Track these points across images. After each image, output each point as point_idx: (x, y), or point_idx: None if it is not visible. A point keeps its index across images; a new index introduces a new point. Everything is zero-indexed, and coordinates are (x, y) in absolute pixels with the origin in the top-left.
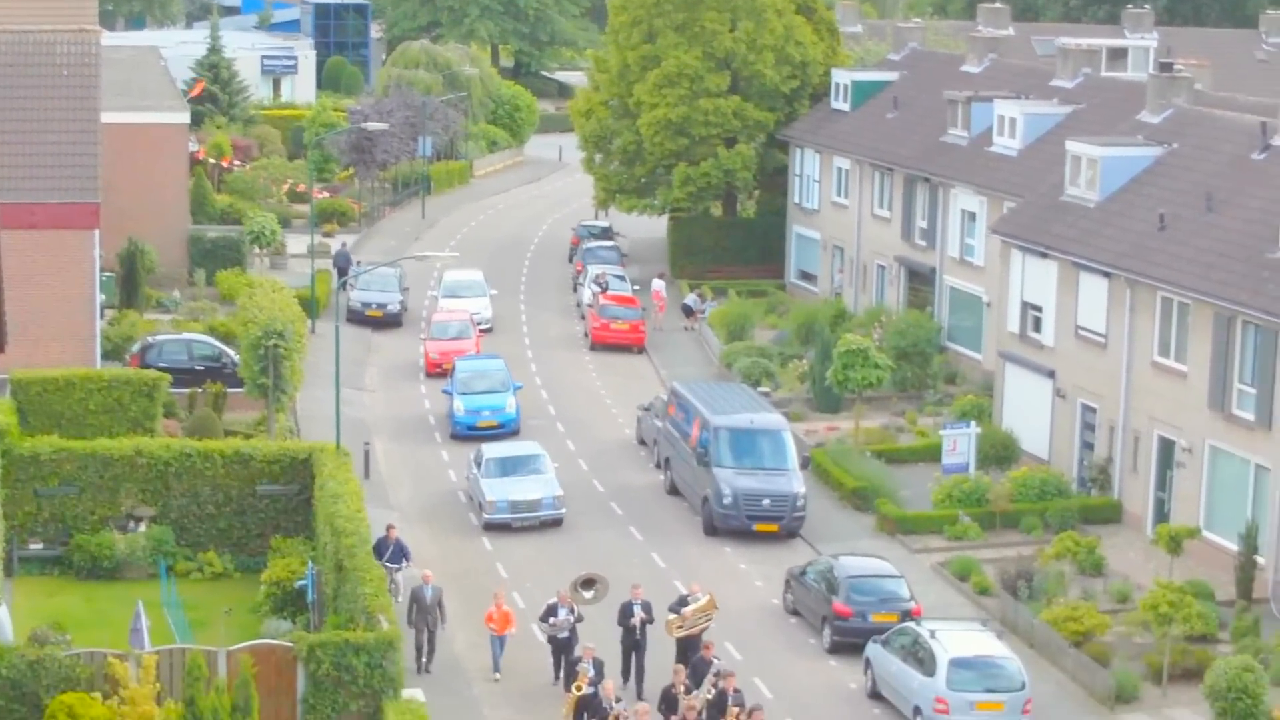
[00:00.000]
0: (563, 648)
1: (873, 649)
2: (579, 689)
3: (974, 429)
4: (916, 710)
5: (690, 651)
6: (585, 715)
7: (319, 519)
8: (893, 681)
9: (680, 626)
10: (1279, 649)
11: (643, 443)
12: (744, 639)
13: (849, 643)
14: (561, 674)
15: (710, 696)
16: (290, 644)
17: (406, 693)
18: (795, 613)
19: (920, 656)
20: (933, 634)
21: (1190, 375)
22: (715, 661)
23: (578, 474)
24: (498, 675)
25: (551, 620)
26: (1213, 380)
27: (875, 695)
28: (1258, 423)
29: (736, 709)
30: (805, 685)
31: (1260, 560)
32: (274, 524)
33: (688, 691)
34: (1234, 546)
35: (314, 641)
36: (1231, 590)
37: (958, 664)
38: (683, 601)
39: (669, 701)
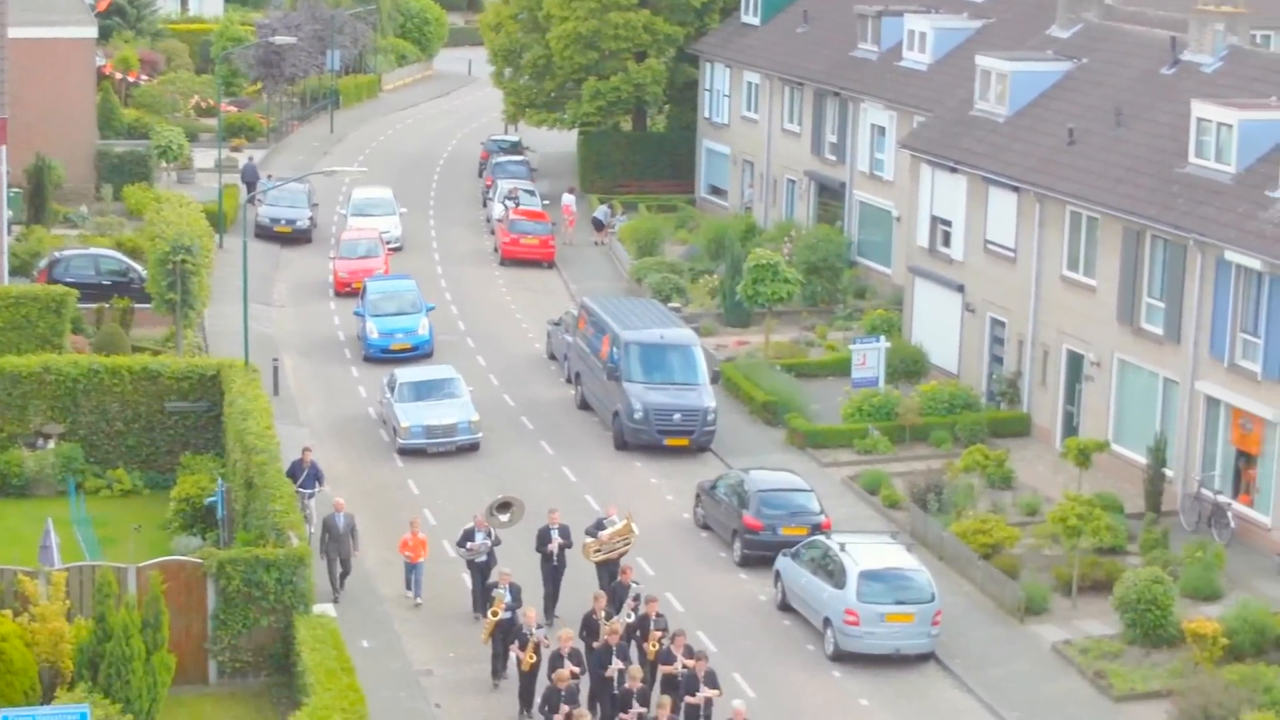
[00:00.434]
0: (480, 572)
1: (783, 562)
2: (495, 614)
3: (883, 343)
4: (826, 622)
5: (609, 576)
6: (503, 639)
7: (228, 436)
8: (803, 594)
9: (598, 550)
10: (1188, 561)
11: (553, 358)
12: (655, 553)
13: (759, 556)
14: (478, 599)
15: (630, 620)
16: (200, 560)
17: (318, 608)
18: (706, 527)
19: (830, 569)
20: (843, 547)
21: (1099, 289)
22: (634, 586)
23: (488, 389)
24: (419, 600)
25: (468, 545)
26: (1121, 294)
27: (785, 608)
28: (1166, 336)
29: (659, 634)
30: (716, 598)
31: (1169, 473)
32: (183, 441)
33: (608, 617)
34: (1143, 460)
35: (224, 558)
36: (1140, 503)
37: (867, 576)
38: (599, 525)
39: (590, 627)
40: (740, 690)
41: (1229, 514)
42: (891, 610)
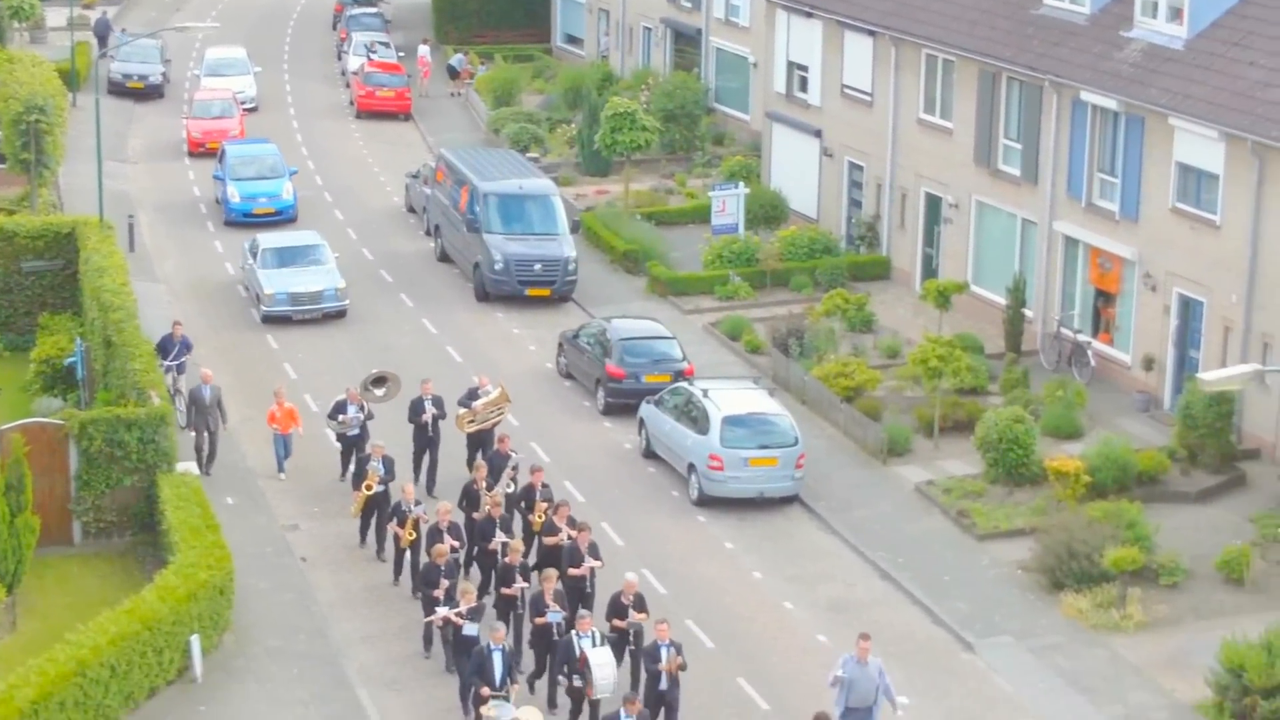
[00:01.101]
0: (352, 446)
1: (646, 409)
2: (369, 488)
3: (742, 190)
4: (691, 468)
5: (484, 446)
6: (376, 514)
7: (85, 294)
8: (667, 441)
9: (471, 421)
10: (1048, 400)
11: (411, 211)
12: (519, 404)
13: (622, 404)
14: (350, 472)
15: (510, 491)
16: (62, 421)
17: (180, 466)
18: (569, 376)
19: (693, 415)
20: (705, 393)
21: (956, 132)
22: (512, 455)
23: (347, 243)
24: (283, 475)
25: (340, 418)
26: (978, 136)
27: (650, 454)
28: (1023, 178)
29: (544, 505)
30: (580, 447)
31: (1028, 313)
32: (41, 301)
33: (489, 488)
34: (1002, 300)
35: (85, 419)
36: (1000, 343)
37: (730, 422)
38: (472, 395)
39: (470, 499)
40: (607, 537)
41: (1089, 353)
42: (755, 455)
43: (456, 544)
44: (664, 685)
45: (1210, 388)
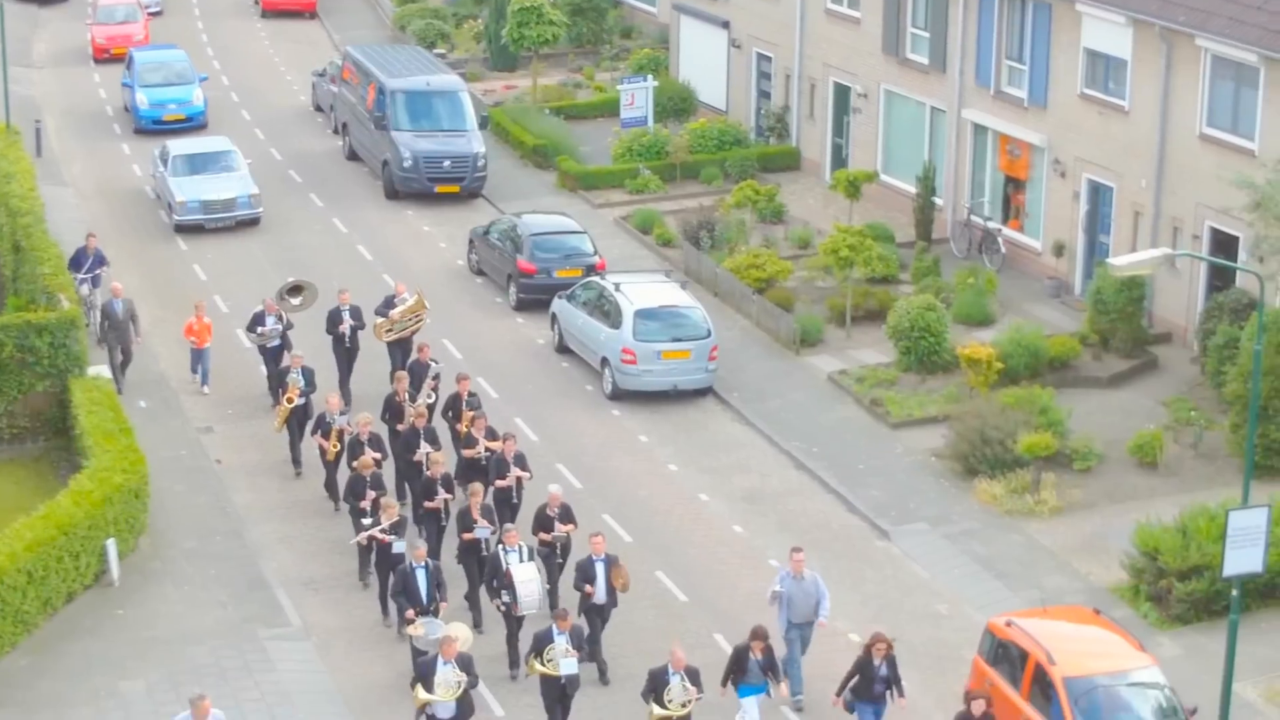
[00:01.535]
0: (271, 358)
1: (559, 304)
2: (290, 400)
3: (651, 82)
4: (604, 362)
5: (403, 355)
6: (299, 426)
7: None
8: (580, 335)
9: (389, 330)
10: (959, 287)
11: (319, 109)
12: (431, 301)
13: (534, 299)
14: (271, 385)
15: (431, 400)
16: None
17: (92, 370)
18: (480, 272)
19: (606, 309)
20: (617, 287)
21: (864, 21)
22: (432, 364)
23: (255, 144)
24: (206, 389)
25: (259, 330)
26: (886, 25)
27: (563, 349)
28: (931, 66)
29: (471, 414)
30: (493, 343)
31: (938, 201)
32: None
33: (411, 399)
34: (912, 189)
35: None
36: (911, 232)
37: (643, 315)
38: (389, 304)
39: (393, 410)
40: (521, 433)
41: (999, 239)
42: (668, 347)
43: (378, 456)
44: (602, 599)
45: (1121, 272)
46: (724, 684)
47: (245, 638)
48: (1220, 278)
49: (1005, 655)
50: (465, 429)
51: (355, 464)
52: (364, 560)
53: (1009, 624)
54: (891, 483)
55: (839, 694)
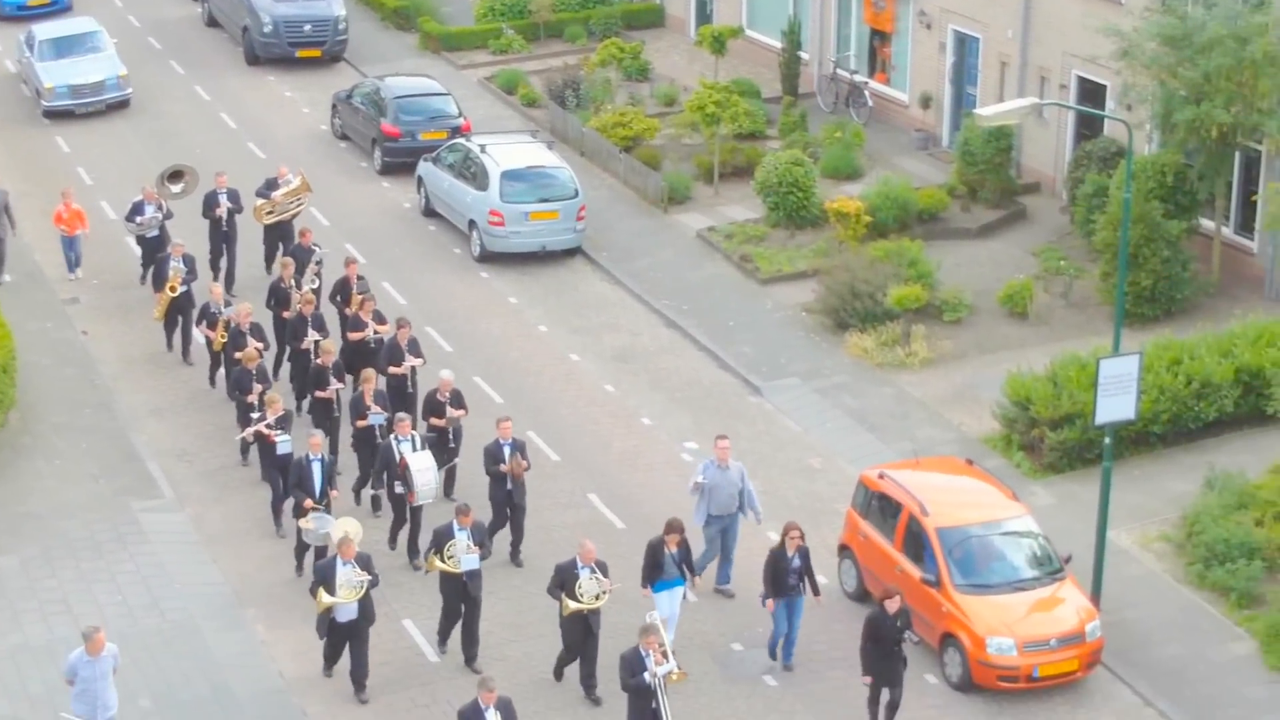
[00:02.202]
0: (151, 246)
1: (424, 167)
2: (172, 289)
3: None
4: (471, 224)
5: (285, 240)
6: (180, 316)
7: None
8: (446, 198)
9: (270, 212)
10: (827, 142)
11: None
12: (295, 167)
13: (400, 163)
14: (151, 274)
15: (315, 286)
16: None
17: None
18: (344, 137)
19: (472, 171)
20: (483, 148)
21: None
22: (316, 249)
23: (112, 11)
24: (73, 275)
25: (138, 219)
26: None
27: (430, 213)
28: None
29: (361, 297)
30: (360, 209)
31: (804, 56)
32: None
33: (297, 285)
34: (777, 44)
35: None
36: (777, 87)
37: (509, 176)
38: (271, 185)
39: (279, 297)
40: (390, 298)
41: (866, 93)
42: (535, 208)
43: (260, 345)
44: (509, 486)
45: (988, 123)
46: (644, 585)
47: (118, 511)
48: (1088, 127)
49: (878, 507)
50: (353, 313)
51: (239, 356)
52: (245, 452)
53: (881, 476)
54: (762, 338)
55: (765, 597)
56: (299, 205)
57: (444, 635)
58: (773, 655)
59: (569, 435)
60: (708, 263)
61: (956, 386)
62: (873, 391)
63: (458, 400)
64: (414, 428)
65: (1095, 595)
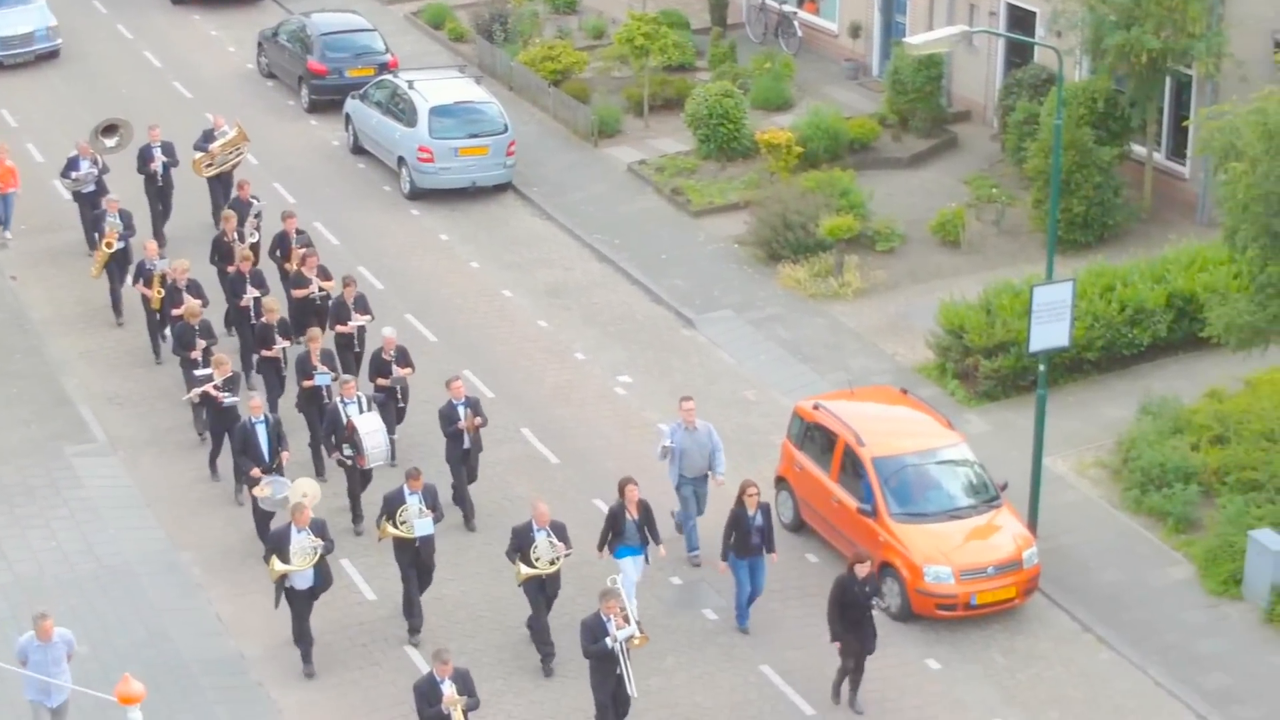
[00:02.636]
0: (88, 203)
1: (352, 105)
2: (109, 245)
3: None
4: (401, 161)
5: (225, 192)
6: (119, 273)
7: None
8: (374, 135)
9: (209, 165)
10: (757, 73)
11: None
12: (223, 109)
13: (327, 100)
14: (89, 232)
15: (255, 240)
16: None
17: None
18: (271, 75)
19: (400, 108)
20: (411, 85)
21: None
22: (254, 201)
23: None
24: (8, 235)
25: (73, 175)
26: None
27: (358, 150)
28: None
29: (302, 250)
30: (287, 147)
31: None
32: None
33: (240, 239)
34: None
35: None
36: (705, 18)
37: (438, 112)
38: (208, 137)
39: (222, 251)
40: (322, 237)
41: (795, 23)
42: (465, 144)
43: (198, 302)
44: (466, 445)
45: (918, 51)
46: (600, 548)
47: (51, 455)
48: (1018, 54)
49: (814, 438)
50: (294, 268)
51: (182, 311)
52: (197, 415)
53: (816, 407)
54: (695, 271)
55: (724, 556)
56: (238, 156)
57: (406, 606)
58: (741, 618)
59: (502, 371)
60: (639, 196)
61: (890, 316)
62: (806, 322)
63: (403, 358)
64: (359, 389)
65: (1032, 522)
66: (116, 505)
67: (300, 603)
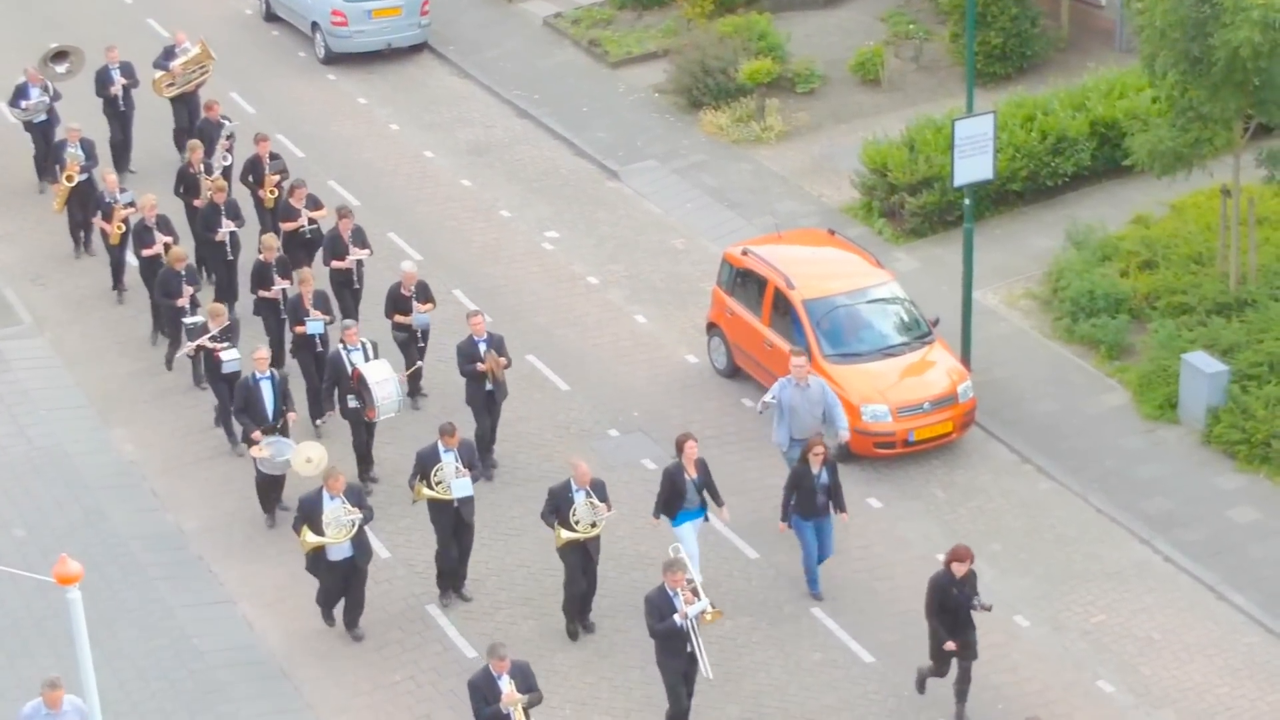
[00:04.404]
0: (41, 134)
1: None
2: (69, 179)
3: None
4: (314, 26)
5: (190, 113)
6: (81, 207)
7: None
8: (288, 1)
9: (170, 85)
10: None
11: None
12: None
13: None
14: (44, 165)
15: (227, 164)
16: None
17: None
18: None
19: None
20: None
21: None
22: (225, 122)
23: None
24: None
25: (23, 104)
26: None
27: (271, 18)
28: None
29: (276, 177)
30: (202, 17)
31: None
32: None
33: (207, 170)
34: None
35: None
36: None
37: None
38: (169, 55)
39: (188, 183)
40: (238, 107)
41: None
42: (378, 5)
43: (169, 240)
44: (489, 387)
45: None
46: (657, 514)
47: None
48: None
49: (744, 284)
50: (269, 195)
51: (168, 257)
52: (195, 366)
53: (745, 252)
54: (617, 122)
55: (785, 519)
56: (202, 74)
57: (446, 576)
58: (812, 584)
59: (428, 232)
60: (556, 50)
61: (814, 158)
62: (731, 168)
63: (424, 293)
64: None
65: (965, 356)
66: (45, 386)
67: (334, 575)
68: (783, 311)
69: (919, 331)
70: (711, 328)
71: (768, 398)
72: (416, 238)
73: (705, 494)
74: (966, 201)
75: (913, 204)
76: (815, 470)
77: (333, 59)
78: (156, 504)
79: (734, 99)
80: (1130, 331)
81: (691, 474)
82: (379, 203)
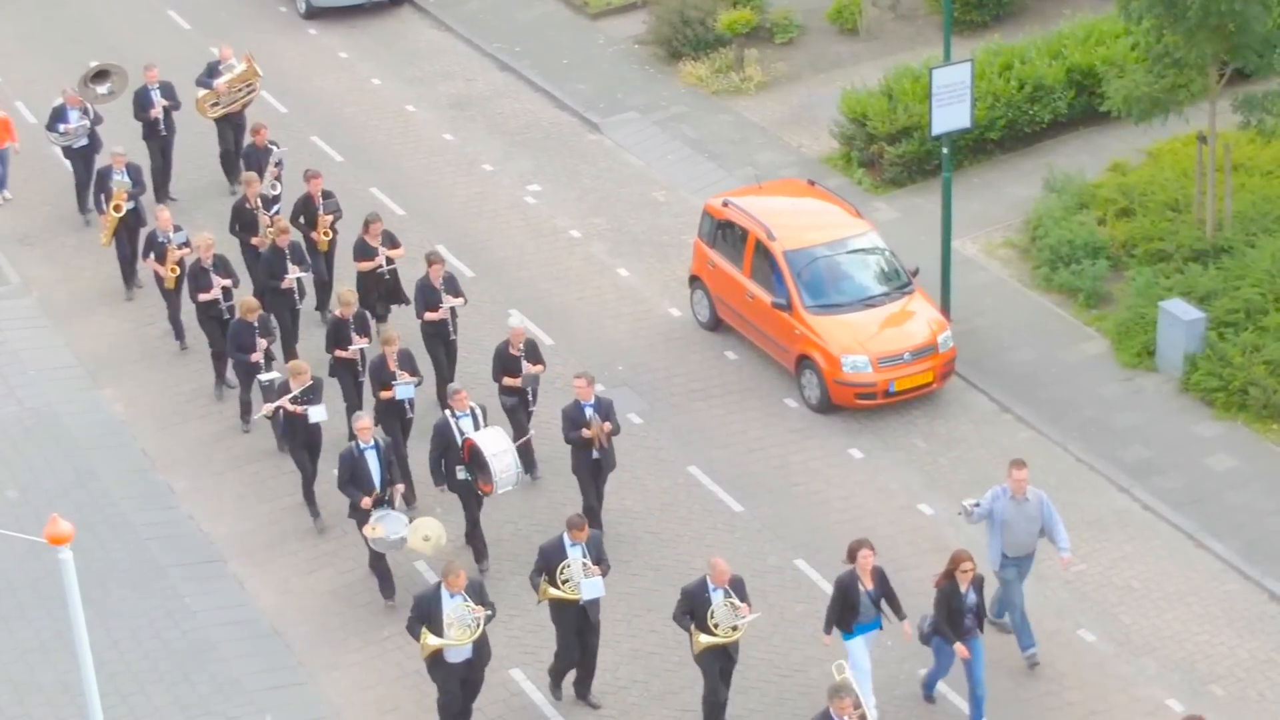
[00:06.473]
0: (82, 160)
1: None
2: (117, 208)
3: None
4: None
5: (235, 135)
6: (129, 240)
7: None
8: None
9: (214, 104)
10: None
11: None
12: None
13: None
14: (86, 194)
15: (275, 193)
16: None
17: None
18: None
19: None
20: None
21: None
22: (274, 148)
23: None
24: (7, 195)
25: (62, 128)
26: None
27: None
28: None
29: (329, 218)
30: None
31: None
32: None
33: (264, 207)
34: None
35: None
36: None
37: None
38: (212, 71)
39: (244, 220)
40: None
41: None
42: None
43: (227, 283)
44: (595, 455)
45: None
46: (828, 629)
47: None
48: None
49: (725, 235)
50: (323, 237)
51: (240, 306)
52: (274, 426)
53: (726, 204)
54: (597, 74)
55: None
56: (249, 93)
57: (558, 677)
58: (929, 695)
59: (411, 187)
60: (536, 2)
61: (793, 108)
62: (711, 119)
63: (533, 353)
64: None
65: (945, 306)
66: (35, 347)
67: (452, 678)
68: (764, 263)
69: (899, 282)
70: (694, 280)
71: (970, 503)
72: (399, 193)
73: (880, 605)
74: (944, 150)
75: (891, 153)
76: (964, 589)
77: (314, 13)
78: (147, 463)
79: (713, 49)
80: (1108, 279)
81: (868, 585)
82: (361, 158)
